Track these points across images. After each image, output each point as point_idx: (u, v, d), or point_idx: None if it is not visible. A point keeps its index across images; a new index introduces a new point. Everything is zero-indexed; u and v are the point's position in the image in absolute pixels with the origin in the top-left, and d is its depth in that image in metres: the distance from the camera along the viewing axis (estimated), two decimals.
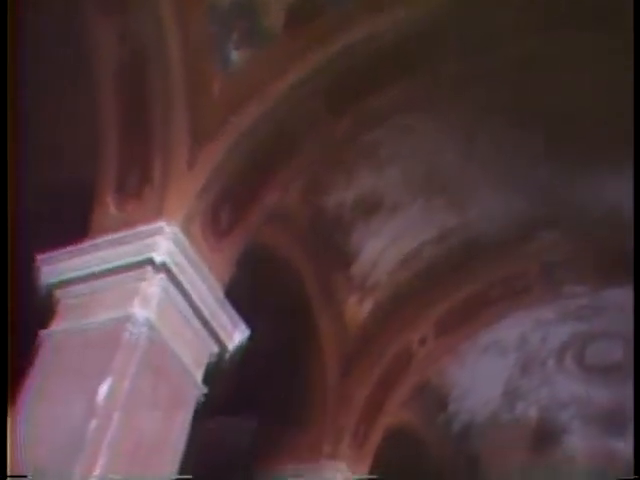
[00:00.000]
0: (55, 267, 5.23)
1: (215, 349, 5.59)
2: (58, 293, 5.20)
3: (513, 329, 8.75)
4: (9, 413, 4.79)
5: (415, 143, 6.82)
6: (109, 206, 5.33)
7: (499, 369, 9.14)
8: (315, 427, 7.33)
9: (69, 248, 5.25)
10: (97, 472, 4.42)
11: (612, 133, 6.28)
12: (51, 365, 4.92)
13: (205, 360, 5.53)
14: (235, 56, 5.43)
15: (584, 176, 6.97)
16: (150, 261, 5.08)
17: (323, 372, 7.41)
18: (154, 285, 5.08)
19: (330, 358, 7.45)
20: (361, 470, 7.52)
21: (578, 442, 9.87)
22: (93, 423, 4.55)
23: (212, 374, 5.55)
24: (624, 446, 9.78)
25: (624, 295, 8.07)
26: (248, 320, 5.75)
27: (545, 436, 9.77)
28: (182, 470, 5.09)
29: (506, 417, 9.55)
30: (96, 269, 5.15)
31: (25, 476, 3.59)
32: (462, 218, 7.64)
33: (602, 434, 9.76)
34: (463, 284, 8.11)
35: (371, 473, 7.70)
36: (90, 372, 4.75)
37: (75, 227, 5.27)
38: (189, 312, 5.37)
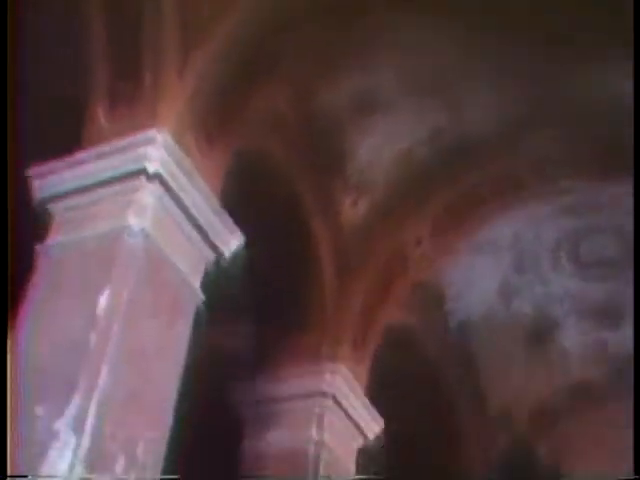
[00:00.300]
0: (48, 181, 5.17)
1: (211, 256, 5.60)
2: (52, 207, 5.16)
3: (507, 227, 8.74)
4: (9, 331, 4.80)
5: (408, 41, 6.69)
6: (100, 117, 5.25)
7: (494, 267, 9.18)
8: (314, 330, 7.39)
9: (61, 161, 5.19)
10: (100, 382, 4.47)
11: (612, 26, 6.14)
12: (49, 279, 4.92)
13: (202, 268, 5.54)
14: None
15: (582, 71, 6.85)
16: (143, 171, 5.03)
17: (320, 275, 7.43)
18: (148, 195, 5.05)
19: (326, 261, 7.46)
20: (360, 371, 7.61)
21: (572, 336, 10.00)
22: (94, 335, 4.58)
23: (210, 282, 5.56)
24: (617, 337, 9.94)
25: (620, 190, 8.05)
26: (243, 227, 5.74)
27: (540, 332, 9.89)
28: (184, 378, 5.14)
29: (501, 314, 9.64)
30: (89, 181, 5.10)
31: (25, 476, 3.62)
32: (456, 116, 7.55)
33: (596, 328, 9.89)
34: (457, 183, 8.07)
35: (370, 374, 7.80)
36: (89, 285, 4.76)
37: (68, 141, 5.20)
38: (184, 221, 5.35)
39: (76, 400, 4.36)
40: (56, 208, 5.15)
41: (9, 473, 3.52)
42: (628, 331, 9.83)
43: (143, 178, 5.04)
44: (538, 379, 10.23)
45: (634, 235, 7.80)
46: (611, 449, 9.83)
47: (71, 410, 4.33)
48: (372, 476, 7.34)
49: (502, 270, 9.23)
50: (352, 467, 7.39)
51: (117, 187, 5.06)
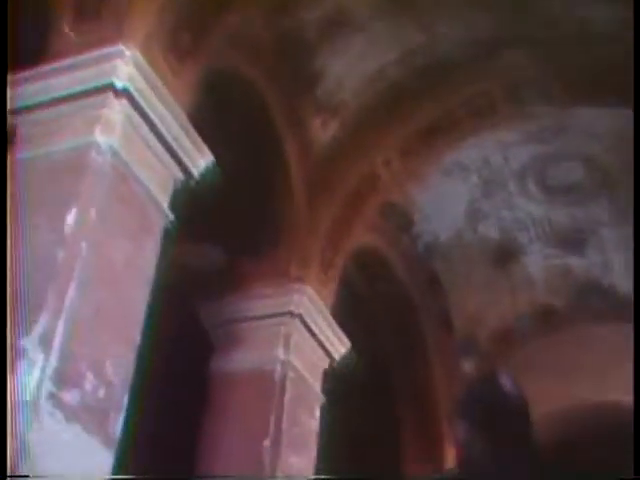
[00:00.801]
0: (12, 93, 5.02)
1: (180, 175, 5.53)
2: (18, 120, 5.02)
3: (476, 151, 8.74)
4: None
5: None
6: (66, 28, 5.09)
7: (462, 191, 9.20)
8: (282, 252, 7.38)
9: (25, 73, 5.04)
10: (68, 301, 4.44)
11: None
12: (17, 193, 4.82)
13: (171, 187, 5.48)
14: None
15: None
16: (111, 86, 4.91)
17: (289, 197, 7.39)
18: (116, 111, 4.94)
19: (296, 182, 7.40)
20: (327, 293, 7.65)
21: (537, 261, 10.11)
22: (61, 252, 4.53)
23: (178, 201, 5.51)
24: (580, 262, 10.07)
25: (589, 115, 8.05)
26: (213, 146, 5.67)
27: (505, 255, 9.98)
28: (152, 297, 5.12)
29: (468, 237, 9.70)
30: (55, 95, 4.97)
31: (27, 476, 3.58)
32: (427, 37, 7.46)
33: (560, 253, 10.00)
34: (427, 105, 8.01)
35: (338, 294, 7.83)
36: (56, 201, 4.68)
37: (33, 53, 5.05)
38: (152, 139, 5.27)
39: (44, 318, 4.33)
40: (21, 121, 5.03)
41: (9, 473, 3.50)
42: (591, 257, 9.97)
43: (111, 94, 4.93)
44: (503, 302, 10.38)
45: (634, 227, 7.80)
46: (572, 370, 10.05)
47: (38, 328, 4.30)
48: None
49: (470, 194, 9.25)
50: (318, 387, 7.48)
51: (84, 102, 4.94)
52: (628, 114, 7.55)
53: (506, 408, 2.57)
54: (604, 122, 8.16)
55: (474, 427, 2.54)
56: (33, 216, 4.67)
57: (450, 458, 8.83)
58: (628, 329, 9.72)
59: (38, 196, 4.73)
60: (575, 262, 10.11)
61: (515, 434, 2.51)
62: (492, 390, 2.65)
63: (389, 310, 9.67)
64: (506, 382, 2.64)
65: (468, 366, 9.98)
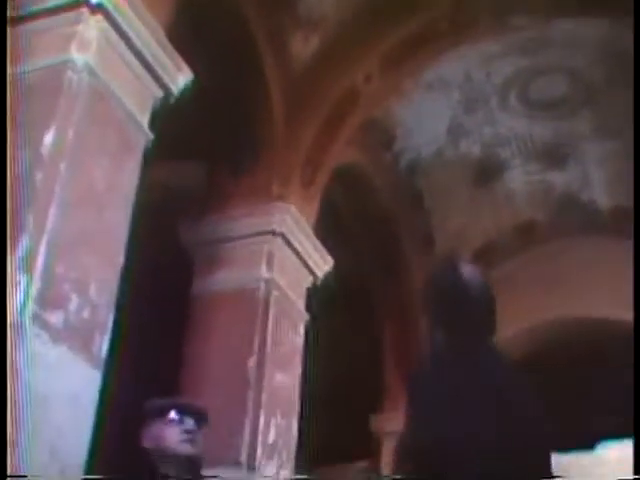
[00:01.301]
0: None
1: (159, 93, 5.42)
2: None
3: (457, 65, 8.63)
4: None
5: None
6: None
7: (443, 107, 9.12)
8: (263, 170, 7.32)
9: None
10: (49, 223, 4.38)
11: None
12: None
13: (150, 105, 5.37)
14: None
15: None
16: (86, 2, 4.76)
17: (270, 114, 7.29)
18: (92, 28, 4.80)
19: (276, 100, 7.29)
20: (310, 211, 7.62)
21: (519, 177, 10.12)
22: (40, 174, 4.45)
23: (158, 120, 5.41)
24: (562, 177, 10.09)
25: (573, 27, 7.95)
26: (191, 63, 5.54)
27: (487, 172, 9.97)
28: (133, 218, 5.07)
29: (450, 154, 9.66)
30: (28, 11, 4.81)
31: (25, 476, 3.54)
32: None
33: (541, 168, 10.00)
34: (407, 19, 7.85)
35: (320, 213, 7.81)
36: (33, 121, 4.57)
37: None
38: (130, 56, 5.13)
39: (25, 240, 4.28)
40: None
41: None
42: (573, 172, 9.98)
43: (86, 9, 4.78)
44: (484, 219, 10.41)
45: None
46: (553, 286, 10.16)
47: (20, 251, 4.26)
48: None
49: (451, 109, 9.18)
50: (302, 305, 7.52)
51: (58, 19, 4.79)
52: (613, 26, 7.47)
53: (468, 296, 2.48)
54: (588, 34, 8.07)
55: (437, 318, 2.47)
56: (10, 137, 4.57)
57: None
58: (609, 243, 9.81)
59: (15, 117, 4.62)
60: (556, 177, 10.13)
61: (478, 322, 2.42)
62: (453, 279, 2.53)
63: (371, 228, 9.68)
64: (466, 270, 2.56)
65: None
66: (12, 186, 4.41)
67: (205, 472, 6.15)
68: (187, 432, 2.74)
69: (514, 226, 10.56)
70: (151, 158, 5.34)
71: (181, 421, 2.75)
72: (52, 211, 4.40)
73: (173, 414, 2.75)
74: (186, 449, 2.72)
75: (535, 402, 2.29)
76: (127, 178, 5.05)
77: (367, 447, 10.37)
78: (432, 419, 2.16)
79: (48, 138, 4.51)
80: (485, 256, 10.29)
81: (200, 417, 2.82)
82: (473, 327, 2.43)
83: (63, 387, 4.27)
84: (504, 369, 2.31)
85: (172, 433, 2.73)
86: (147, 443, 2.76)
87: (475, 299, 2.47)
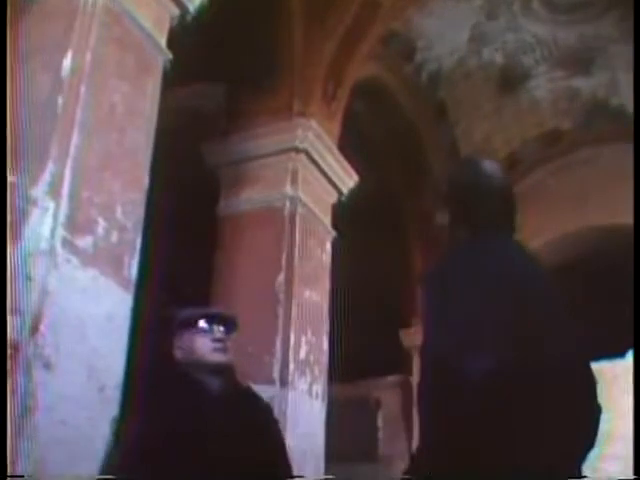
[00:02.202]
0: None
1: (175, 12, 5.33)
2: None
3: None
4: None
5: None
6: None
7: (465, 15, 8.92)
8: (284, 88, 7.23)
9: None
10: (73, 147, 4.39)
11: None
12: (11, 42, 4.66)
13: (167, 24, 5.29)
14: None
15: None
16: None
17: (289, 30, 7.16)
18: None
19: (295, 15, 7.17)
20: (332, 127, 7.55)
21: (543, 84, 9.93)
22: (61, 99, 4.44)
23: (176, 41, 5.34)
24: (587, 84, 9.89)
25: None
26: None
27: (511, 80, 9.79)
28: (156, 140, 5.05)
29: (472, 63, 9.48)
30: None
31: (23, 476, 3.54)
32: None
33: (566, 74, 9.80)
34: None
35: (343, 129, 7.74)
36: (51, 46, 4.54)
37: None
38: None
39: (50, 166, 4.29)
40: None
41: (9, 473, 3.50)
42: (599, 77, 9.77)
43: None
44: (509, 129, 10.28)
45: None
46: (580, 195, 10.05)
47: (46, 177, 4.28)
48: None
49: (473, 17, 8.98)
50: (328, 222, 7.52)
51: None
52: None
53: (489, 190, 2.44)
54: None
55: (458, 214, 2.41)
56: (29, 64, 4.55)
57: None
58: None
59: (32, 43, 4.59)
60: (582, 83, 9.92)
61: (499, 218, 2.37)
62: (473, 173, 2.52)
63: (394, 142, 9.60)
64: (486, 165, 2.51)
65: None
66: (35, 113, 4.41)
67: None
68: (218, 340, 2.75)
69: (539, 135, 10.41)
70: (170, 80, 5.29)
71: (211, 330, 2.76)
72: (75, 136, 4.40)
73: (202, 323, 2.76)
74: (218, 357, 2.73)
75: (558, 298, 2.26)
76: (147, 100, 5.02)
77: (398, 361, 10.50)
78: (451, 320, 2.12)
79: (67, 62, 4.48)
80: (510, 167, 10.18)
81: (230, 324, 2.82)
82: (494, 223, 2.39)
83: (96, 309, 4.33)
84: (526, 264, 2.27)
85: (203, 342, 2.74)
86: (179, 354, 2.78)
87: (496, 193, 2.43)
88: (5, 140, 4.53)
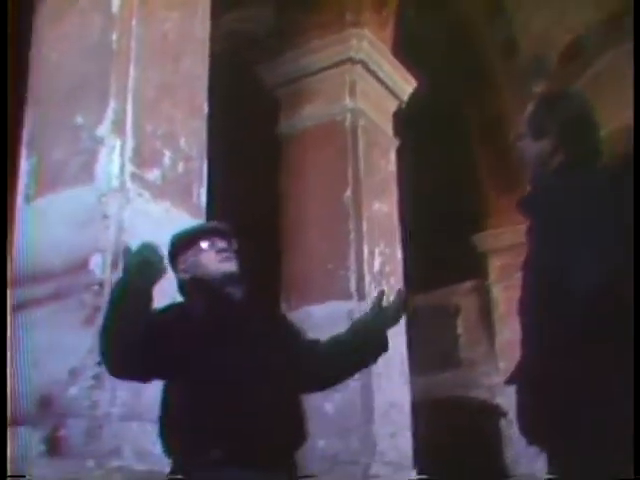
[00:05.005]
0: None
1: None
2: None
3: None
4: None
5: None
6: None
7: None
8: (333, 0, 7.09)
9: None
10: (131, 82, 4.41)
11: None
12: None
13: None
14: None
15: None
16: None
17: None
18: None
19: None
20: (385, 34, 7.38)
21: None
22: (114, 35, 4.45)
23: None
24: None
25: None
26: None
27: None
28: (212, 66, 5.03)
29: None
30: None
31: (24, 476, 3.56)
32: None
33: None
34: None
35: (396, 35, 7.57)
36: None
37: None
38: None
39: (111, 104, 4.33)
40: None
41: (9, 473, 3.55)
42: None
43: None
44: (569, 16, 9.86)
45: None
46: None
47: (109, 114, 4.32)
48: None
49: None
50: (390, 131, 7.44)
51: None
52: None
53: (589, 122, 2.51)
54: None
55: (550, 142, 2.46)
56: (78, 5, 4.56)
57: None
58: None
59: None
60: None
61: (587, 147, 2.44)
62: (579, 103, 2.58)
63: (451, 42, 9.36)
64: (582, 96, 2.56)
65: (539, 89, 9.69)
66: (90, 53, 4.44)
67: (316, 307, 6.39)
68: (222, 251, 2.71)
69: (602, 19, 9.98)
70: (218, 6, 5.24)
71: (212, 244, 2.72)
72: (132, 70, 4.42)
73: (202, 243, 2.72)
74: (227, 266, 2.69)
75: None
76: (198, 25, 4.99)
77: (474, 267, 10.47)
78: (556, 240, 2.19)
79: None
80: (574, 55, 9.85)
81: (227, 235, 2.77)
82: (596, 154, 2.46)
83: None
84: (623, 194, 2.28)
85: (207, 258, 2.71)
86: (186, 276, 2.74)
87: (594, 124, 2.50)
88: (6, 140, 4.59)
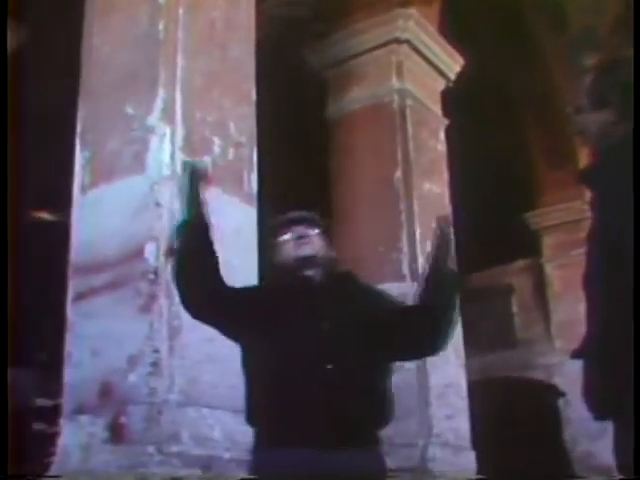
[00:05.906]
0: None
1: None
2: None
3: None
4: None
5: None
6: None
7: None
8: None
9: None
10: (179, 71, 4.43)
11: None
12: None
13: None
14: None
15: None
16: None
17: None
18: None
19: None
20: (431, 12, 7.30)
21: None
22: (161, 24, 4.47)
23: None
24: None
25: None
26: None
27: None
28: (258, 51, 5.04)
29: None
30: None
31: (24, 476, 3.57)
32: None
33: None
34: None
35: (442, 13, 7.50)
36: None
37: None
38: None
39: (160, 93, 4.36)
40: None
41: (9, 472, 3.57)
42: None
43: None
44: None
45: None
46: None
47: (158, 103, 4.35)
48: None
49: None
50: (439, 110, 7.37)
51: None
52: None
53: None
54: None
55: (611, 112, 2.40)
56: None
57: (584, 158, 8.66)
58: None
59: None
60: None
61: None
62: (623, 71, 2.47)
63: (498, 18, 9.23)
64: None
65: (589, 62, 9.50)
66: (138, 43, 4.47)
67: None
68: (299, 238, 2.76)
69: None
70: None
71: (293, 234, 2.77)
72: (179, 59, 4.44)
73: (284, 234, 2.78)
74: (305, 250, 2.74)
75: None
76: (244, 12, 5.00)
77: (527, 245, 10.37)
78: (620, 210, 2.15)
79: None
80: (624, 25, 9.64)
81: (309, 222, 2.82)
82: None
83: (224, 226, 4.40)
84: None
85: (286, 249, 2.76)
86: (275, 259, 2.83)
87: None
88: (6, 140, 4.63)
